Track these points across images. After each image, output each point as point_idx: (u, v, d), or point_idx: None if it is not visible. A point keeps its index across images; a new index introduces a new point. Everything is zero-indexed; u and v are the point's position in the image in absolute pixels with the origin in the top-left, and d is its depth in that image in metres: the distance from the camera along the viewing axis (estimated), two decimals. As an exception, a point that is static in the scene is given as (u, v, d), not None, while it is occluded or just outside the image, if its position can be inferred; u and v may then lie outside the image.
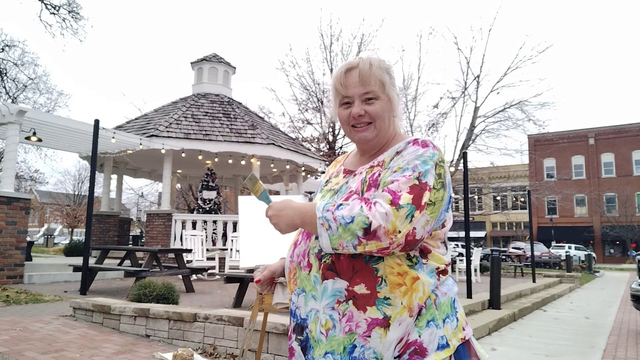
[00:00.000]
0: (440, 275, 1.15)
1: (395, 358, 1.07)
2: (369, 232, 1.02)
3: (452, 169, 20.22)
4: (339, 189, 1.24)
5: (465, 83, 20.57)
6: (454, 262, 13.63)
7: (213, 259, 9.87)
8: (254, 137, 12.25)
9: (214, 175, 13.20)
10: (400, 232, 1.02)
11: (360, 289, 1.08)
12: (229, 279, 6.28)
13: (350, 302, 1.08)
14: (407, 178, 1.08)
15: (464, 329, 1.14)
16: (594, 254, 30.26)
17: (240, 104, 15.04)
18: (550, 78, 40.64)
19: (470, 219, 10.10)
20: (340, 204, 1.08)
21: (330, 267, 1.11)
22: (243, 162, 13.04)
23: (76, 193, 50.04)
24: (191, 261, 9.82)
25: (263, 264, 3.21)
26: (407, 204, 1.04)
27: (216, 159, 12.57)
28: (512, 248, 25.46)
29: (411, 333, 1.08)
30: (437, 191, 1.09)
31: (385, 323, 1.06)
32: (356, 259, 1.09)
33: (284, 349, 3.58)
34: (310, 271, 1.16)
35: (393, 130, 1.28)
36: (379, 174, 1.16)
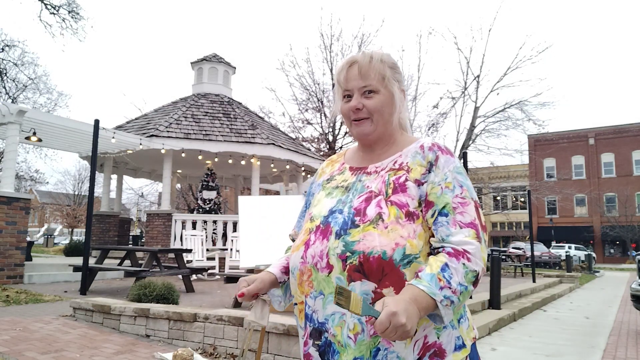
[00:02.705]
0: None
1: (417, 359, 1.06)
2: (476, 282, 1.05)
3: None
4: (351, 187, 1.21)
5: (465, 83, 20.58)
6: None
7: (213, 259, 9.87)
8: (254, 137, 12.25)
9: (214, 175, 13.20)
10: (485, 259, 1.06)
11: (389, 292, 1.05)
12: (229, 279, 6.29)
13: None
14: (467, 201, 1.09)
15: (473, 328, 1.15)
16: (594, 254, 30.24)
17: (240, 104, 15.05)
18: (550, 78, 40.63)
19: (470, 219, 10.09)
20: (443, 272, 1.01)
21: (358, 268, 1.06)
22: (243, 162, 13.04)
23: (76, 193, 50.04)
24: (191, 261, 9.82)
25: (263, 264, 3.20)
26: (483, 234, 1.07)
27: (216, 159, 12.57)
28: (512, 248, 25.45)
29: (430, 335, 1.07)
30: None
31: None
32: (386, 261, 1.05)
33: (284, 349, 3.58)
34: (330, 273, 1.09)
35: (397, 126, 1.26)
36: (406, 179, 1.14)
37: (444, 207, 1.09)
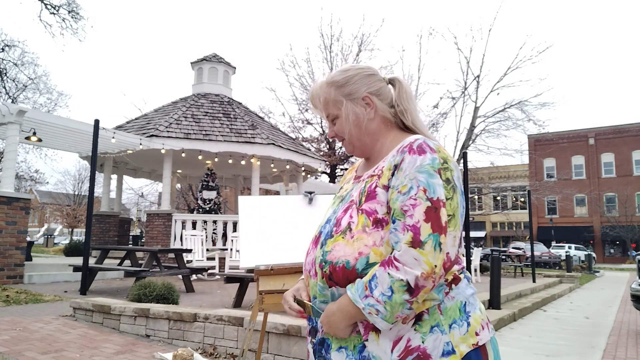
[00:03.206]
0: (452, 284, 1.11)
1: None
2: (412, 290, 1.00)
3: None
4: (345, 196, 1.23)
5: (465, 83, 20.58)
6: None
7: (213, 259, 9.87)
8: (254, 137, 12.25)
9: (214, 175, 13.20)
10: (436, 266, 1.00)
11: None
12: (229, 279, 6.29)
13: None
14: (417, 202, 1.03)
15: (477, 334, 1.08)
16: (594, 254, 30.23)
17: (240, 104, 15.05)
18: (550, 78, 40.70)
19: (470, 219, 10.10)
20: (370, 281, 1.04)
21: (330, 276, 1.12)
22: (243, 162, 13.04)
23: (76, 193, 50.04)
24: (191, 261, 9.82)
25: (263, 264, 3.21)
26: (429, 235, 1.01)
27: (216, 159, 12.57)
28: (512, 248, 25.46)
29: (413, 338, 1.05)
30: (452, 200, 1.05)
31: (376, 327, 1.07)
32: (350, 270, 1.09)
33: (284, 349, 3.58)
34: (316, 279, 1.17)
35: (388, 130, 1.25)
36: (376, 185, 1.13)
37: (395, 212, 1.07)
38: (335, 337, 1.11)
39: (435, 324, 1.06)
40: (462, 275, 1.13)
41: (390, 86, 1.27)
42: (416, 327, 1.06)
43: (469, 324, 1.08)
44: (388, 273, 1.01)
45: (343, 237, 1.12)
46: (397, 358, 1.05)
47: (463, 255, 14.57)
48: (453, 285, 1.10)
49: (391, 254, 1.05)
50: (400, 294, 1.00)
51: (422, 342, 1.05)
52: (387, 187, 1.11)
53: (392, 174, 1.11)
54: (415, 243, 1.00)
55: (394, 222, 1.06)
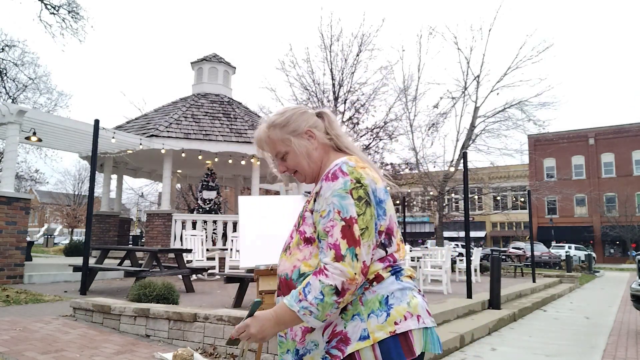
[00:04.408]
0: (374, 282, 1.29)
1: (326, 343, 1.27)
2: (339, 293, 1.20)
3: (452, 169, 20.20)
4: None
5: (465, 83, 20.55)
6: (454, 262, 13.62)
7: (213, 259, 9.86)
8: (254, 137, 12.24)
9: (214, 175, 13.20)
10: (356, 273, 1.21)
11: None
12: (229, 279, 6.28)
13: None
14: (334, 223, 1.24)
15: (396, 323, 1.25)
16: (594, 254, 30.23)
17: (240, 104, 15.04)
18: (550, 78, 40.60)
19: (470, 219, 10.09)
20: (304, 288, 1.24)
21: (280, 286, 1.39)
22: (243, 162, 13.04)
23: (76, 193, 50.01)
24: (191, 261, 9.82)
25: (263, 264, 3.20)
26: (347, 250, 1.22)
27: (216, 159, 12.57)
28: (512, 248, 25.46)
29: (339, 325, 1.27)
30: (364, 215, 1.25)
31: (310, 329, 1.30)
32: (289, 280, 1.34)
33: (284, 349, 3.58)
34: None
35: (322, 160, 1.45)
36: (306, 210, 1.36)
37: (319, 233, 1.28)
38: (256, 341, 1.29)
39: (356, 313, 1.26)
40: (388, 273, 1.32)
41: (319, 119, 1.49)
42: (342, 315, 1.27)
43: (388, 315, 1.26)
44: (319, 280, 1.21)
45: (284, 254, 1.40)
46: (327, 339, 1.27)
47: (462, 255, 14.56)
48: (375, 283, 1.29)
49: (321, 265, 1.26)
50: (330, 297, 1.20)
51: (344, 328, 1.26)
52: (312, 211, 1.34)
53: (314, 200, 1.34)
54: (338, 257, 1.21)
55: (320, 241, 1.28)
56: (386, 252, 1.32)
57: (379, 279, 1.30)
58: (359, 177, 1.28)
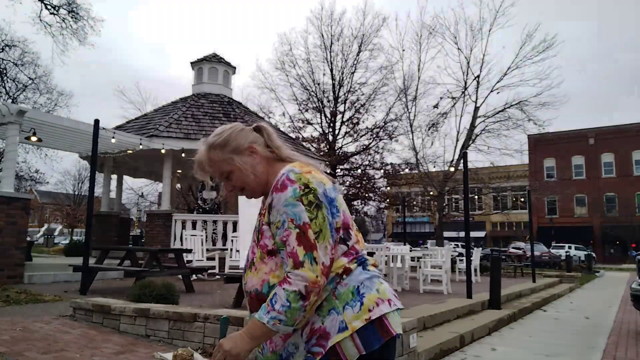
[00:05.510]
0: (344, 275, 1.33)
1: (305, 343, 1.30)
2: (304, 297, 1.25)
3: (452, 169, 20.19)
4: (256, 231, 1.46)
5: (465, 83, 20.57)
6: (454, 262, 13.61)
7: (213, 259, 9.86)
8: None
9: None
10: (317, 275, 1.26)
11: None
12: (229, 279, 6.29)
13: None
14: (289, 231, 1.28)
15: (370, 310, 1.30)
16: (594, 254, 30.19)
17: (240, 104, 15.04)
18: (550, 78, 40.42)
19: (470, 219, 10.09)
20: (271, 299, 1.28)
21: (250, 302, 1.41)
22: (243, 162, 13.01)
23: (76, 193, 50.03)
24: (191, 261, 9.81)
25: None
26: (304, 255, 1.26)
27: (216, 159, 12.54)
28: (512, 248, 25.47)
29: (316, 322, 1.31)
30: (317, 218, 1.29)
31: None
32: (260, 295, 1.35)
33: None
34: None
35: (268, 172, 1.45)
36: (262, 224, 1.39)
37: (278, 244, 1.32)
38: (232, 358, 1.28)
39: (332, 308, 1.31)
40: (354, 265, 1.36)
41: (257, 133, 1.51)
42: (318, 312, 1.31)
43: (362, 304, 1.31)
44: (284, 288, 1.26)
45: (250, 271, 1.41)
46: (306, 338, 1.31)
47: (462, 255, 14.55)
48: (344, 276, 1.34)
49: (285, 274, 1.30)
50: (296, 302, 1.24)
51: (322, 323, 1.30)
52: (268, 224, 1.37)
53: (268, 212, 1.37)
54: (297, 265, 1.26)
55: (279, 252, 1.32)
56: (347, 246, 1.37)
57: (347, 271, 1.34)
58: (307, 182, 1.32)
